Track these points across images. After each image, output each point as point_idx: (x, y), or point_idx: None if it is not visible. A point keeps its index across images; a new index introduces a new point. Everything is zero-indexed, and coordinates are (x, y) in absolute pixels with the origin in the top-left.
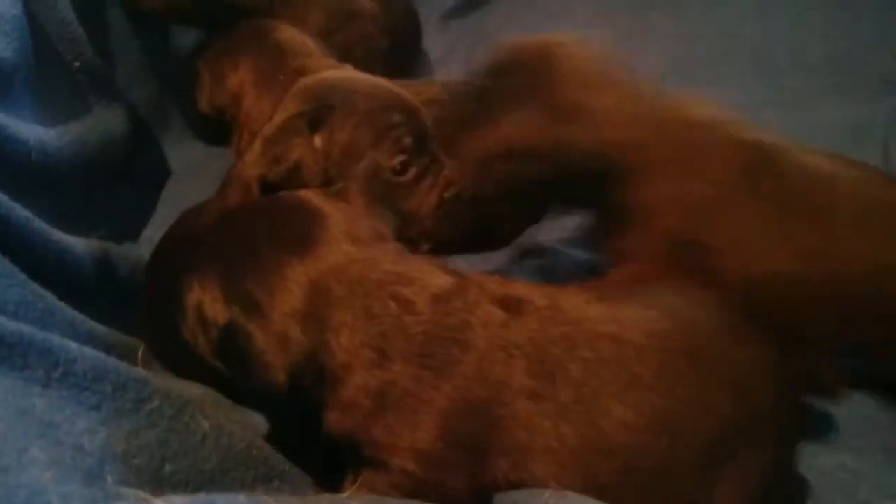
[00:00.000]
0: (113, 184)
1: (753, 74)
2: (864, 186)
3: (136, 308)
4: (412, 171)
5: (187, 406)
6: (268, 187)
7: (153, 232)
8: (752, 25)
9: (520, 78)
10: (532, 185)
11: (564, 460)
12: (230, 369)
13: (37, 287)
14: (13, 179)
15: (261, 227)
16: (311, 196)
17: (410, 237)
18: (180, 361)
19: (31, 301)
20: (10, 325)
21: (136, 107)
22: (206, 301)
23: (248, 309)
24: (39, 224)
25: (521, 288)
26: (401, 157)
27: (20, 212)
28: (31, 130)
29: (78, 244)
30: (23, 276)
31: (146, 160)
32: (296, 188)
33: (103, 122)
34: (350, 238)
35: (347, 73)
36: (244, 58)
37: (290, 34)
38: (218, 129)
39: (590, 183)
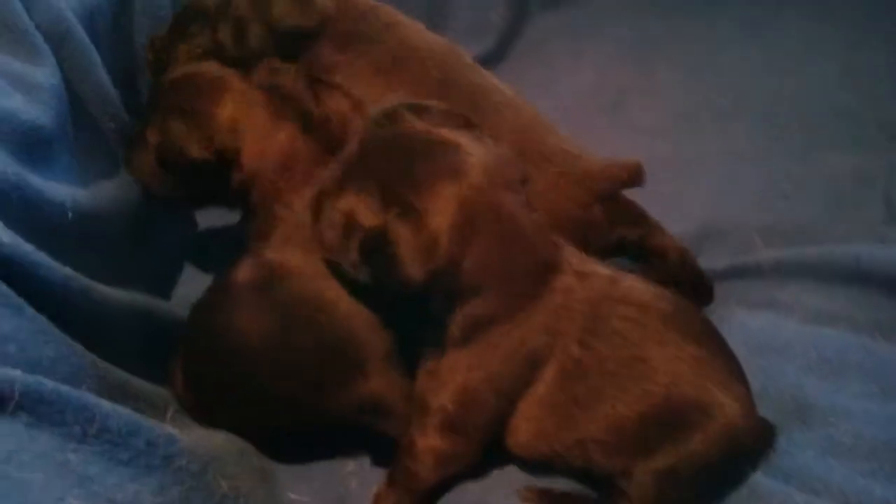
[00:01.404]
0: (144, 240)
1: (759, 126)
2: None
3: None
4: None
5: (210, 464)
6: None
7: (187, 291)
8: (759, 78)
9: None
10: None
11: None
12: (371, 267)
13: (71, 342)
14: (53, 239)
15: (412, 150)
16: (452, 132)
17: None
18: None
19: (66, 356)
20: (49, 384)
21: None
22: (361, 207)
23: (405, 212)
24: (80, 281)
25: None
26: None
27: (60, 270)
28: (68, 191)
29: (119, 298)
30: (58, 333)
31: (172, 216)
32: None
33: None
34: (490, 173)
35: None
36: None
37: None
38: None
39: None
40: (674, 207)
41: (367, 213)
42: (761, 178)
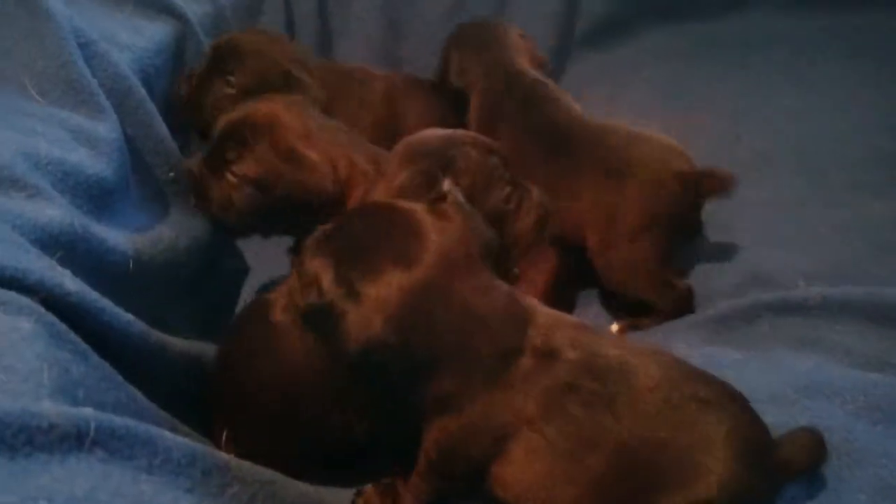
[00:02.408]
0: (200, 284)
1: (796, 171)
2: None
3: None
4: (514, 200)
5: (260, 491)
6: None
7: None
8: (796, 122)
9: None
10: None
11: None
12: (313, 330)
13: (131, 388)
14: (115, 285)
15: (373, 231)
16: (418, 210)
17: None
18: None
19: (126, 402)
20: (118, 420)
21: None
22: (324, 274)
23: (349, 294)
24: (139, 326)
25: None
26: (507, 189)
27: (122, 316)
28: (129, 240)
29: (175, 344)
30: (119, 379)
31: (227, 260)
32: None
33: (190, 227)
34: (445, 260)
35: (439, 130)
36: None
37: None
38: None
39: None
40: (715, 255)
41: (326, 281)
42: (801, 224)
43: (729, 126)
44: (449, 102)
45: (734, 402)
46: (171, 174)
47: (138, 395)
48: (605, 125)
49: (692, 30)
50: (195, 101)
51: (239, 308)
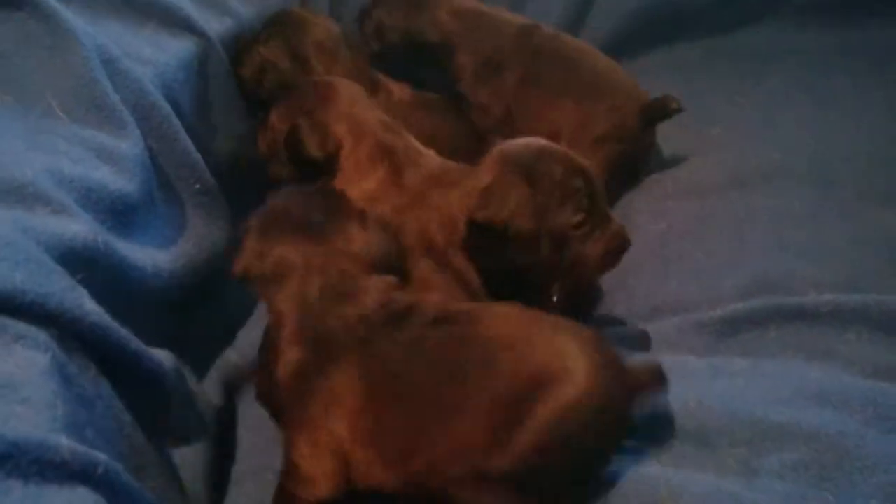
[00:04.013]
0: (219, 296)
1: (808, 182)
2: None
3: None
4: (586, 227)
5: None
6: (474, 226)
7: (251, 333)
8: (808, 134)
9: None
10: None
11: None
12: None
13: (138, 436)
14: (135, 301)
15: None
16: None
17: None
18: None
19: (128, 454)
20: (123, 475)
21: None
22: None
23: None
24: (153, 353)
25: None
26: (580, 216)
27: (137, 343)
28: (149, 256)
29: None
30: (128, 420)
31: None
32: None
33: (210, 238)
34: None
35: (540, 141)
36: (340, 111)
37: (352, 84)
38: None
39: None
40: (726, 263)
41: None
42: (812, 234)
43: (742, 136)
44: (459, 121)
45: (587, 330)
46: (197, 186)
47: (145, 443)
48: (589, 51)
49: (706, 43)
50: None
51: (256, 319)
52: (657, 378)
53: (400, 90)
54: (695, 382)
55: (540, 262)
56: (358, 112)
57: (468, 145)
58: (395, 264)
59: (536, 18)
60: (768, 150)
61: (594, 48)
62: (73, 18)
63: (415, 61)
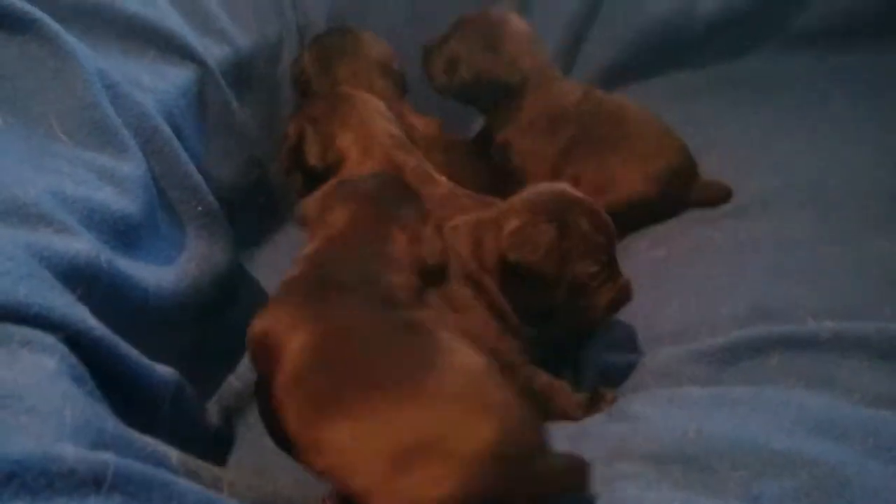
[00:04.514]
0: (221, 316)
1: (808, 208)
2: None
3: None
4: (600, 278)
5: None
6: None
7: None
8: (806, 160)
9: None
10: None
11: None
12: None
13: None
14: (137, 320)
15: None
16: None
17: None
18: None
19: (141, 446)
20: (135, 465)
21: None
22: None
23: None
24: (156, 366)
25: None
26: (595, 268)
27: (139, 357)
28: (152, 275)
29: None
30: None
31: (245, 291)
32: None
33: (212, 260)
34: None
35: (572, 191)
36: (349, 123)
37: (369, 96)
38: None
39: None
40: (725, 290)
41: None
42: (810, 260)
43: (740, 164)
44: (481, 168)
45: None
46: (200, 208)
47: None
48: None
49: (705, 70)
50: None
51: None
52: (576, 478)
53: (426, 126)
54: (696, 412)
55: (555, 303)
56: (370, 126)
57: (491, 193)
58: (436, 277)
59: None
60: (767, 176)
61: (642, 109)
62: (76, 42)
63: (469, 100)
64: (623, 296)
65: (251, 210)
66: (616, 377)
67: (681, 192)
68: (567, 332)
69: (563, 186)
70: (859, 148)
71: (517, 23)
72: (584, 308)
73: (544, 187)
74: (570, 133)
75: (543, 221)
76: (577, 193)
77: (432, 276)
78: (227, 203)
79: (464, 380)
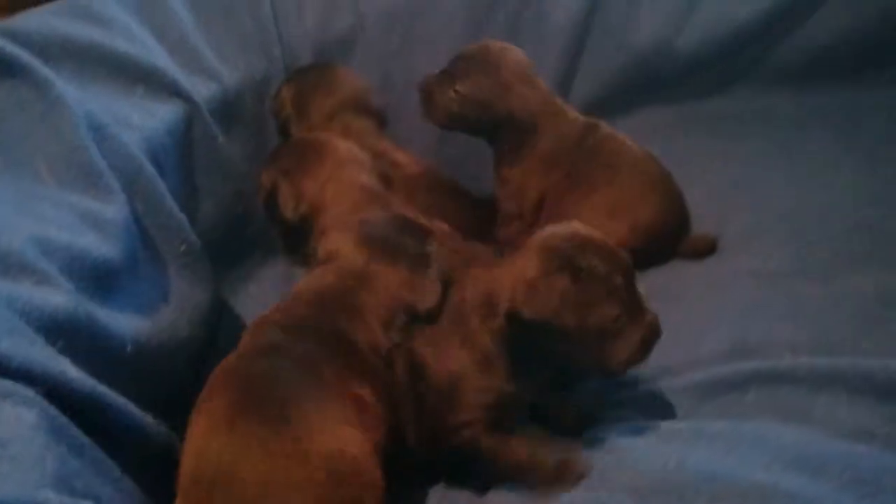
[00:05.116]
0: (200, 360)
1: (784, 244)
2: None
3: None
4: (622, 320)
5: None
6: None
7: None
8: (785, 196)
9: None
10: None
11: None
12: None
13: (127, 481)
14: (115, 369)
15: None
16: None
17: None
18: None
19: (121, 498)
20: None
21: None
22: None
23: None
24: (137, 414)
25: None
26: (615, 312)
27: (120, 403)
28: (129, 323)
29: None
30: (116, 473)
31: (224, 335)
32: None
33: (193, 300)
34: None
35: (583, 230)
36: (319, 175)
37: (345, 144)
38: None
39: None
40: (705, 326)
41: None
42: (788, 295)
43: (719, 201)
44: (470, 206)
45: None
46: (183, 247)
47: (133, 487)
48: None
49: (685, 106)
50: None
51: None
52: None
53: (410, 163)
54: (676, 445)
55: (576, 354)
56: (340, 178)
57: (477, 234)
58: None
59: None
60: (746, 212)
61: (644, 151)
62: (64, 85)
63: (473, 132)
64: (653, 334)
65: (236, 244)
66: (598, 410)
67: (670, 246)
68: (588, 377)
69: (573, 227)
70: (837, 185)
71: (516, 53)
72: (608, 356)
73: (553, 231)
74: (563, 171)
75: (555, 270)
76: (588, 232)
77: (421, 318)
78: (212, 238)
79: None
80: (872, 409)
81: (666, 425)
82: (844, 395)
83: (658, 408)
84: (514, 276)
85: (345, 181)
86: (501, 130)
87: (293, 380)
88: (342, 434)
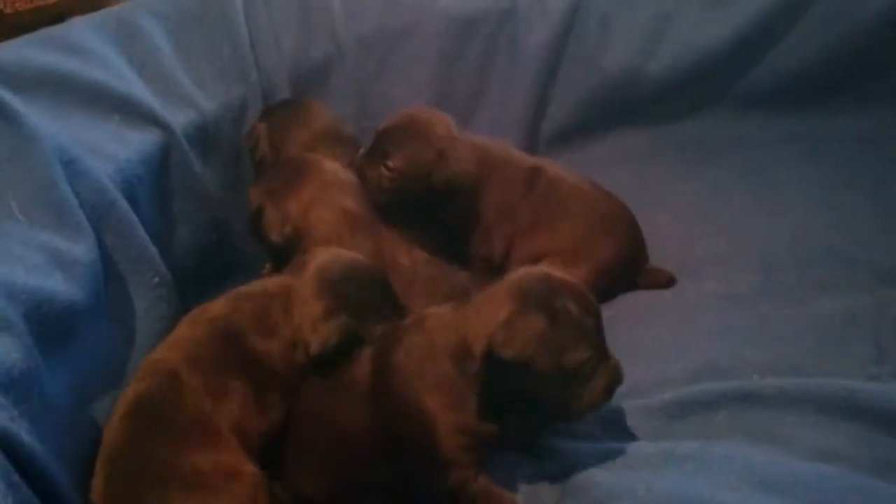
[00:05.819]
0: None
1: (751, 268)
2: None
3: None
4: (592, 364)
5: None
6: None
7: None
8: (753, 221)
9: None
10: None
11: None
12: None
13: None
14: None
15: None
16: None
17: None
18: None
19: None
20: None
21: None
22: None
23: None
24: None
25: None
26: (587, 355)
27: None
28: (90, 367)
29: None
30: None
31: None
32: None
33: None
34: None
35: (555, 273)
36: (303, 190)
37: (332, 166)
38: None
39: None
40: (674, 349)
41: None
42: (756, 319)
43: (688, 224)
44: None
45: None
46: (155, 279)
47: None
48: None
49: (657, 130)
50: None
51: None
52: None
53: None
54: (645, 471)
55: (543, 396)
56: (323, 201)
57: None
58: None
59: (499, 116)
60: (714, 237)
61: (593, 185)
62: (38, 118)
63: (418, 203)
64: (616, 379)
65: (212, 270)
66: (568, 431)
67: (631, 275)
68: (554, 420)
69: (545, 270)
70: (805, 210)
71: (441, 118)
72: (575, 397)
73: (525, 272)
74: (521, 216)
75: (531, 311)
76: (561, 275)
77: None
78: (186, 265)
79: None
80: (838, 430)
81: (636, 447)
82: (811, 416)
83: (629, 428)
84: (487, 317)
85: (329, 204)
86: (447, 195)
87: None
88: None
